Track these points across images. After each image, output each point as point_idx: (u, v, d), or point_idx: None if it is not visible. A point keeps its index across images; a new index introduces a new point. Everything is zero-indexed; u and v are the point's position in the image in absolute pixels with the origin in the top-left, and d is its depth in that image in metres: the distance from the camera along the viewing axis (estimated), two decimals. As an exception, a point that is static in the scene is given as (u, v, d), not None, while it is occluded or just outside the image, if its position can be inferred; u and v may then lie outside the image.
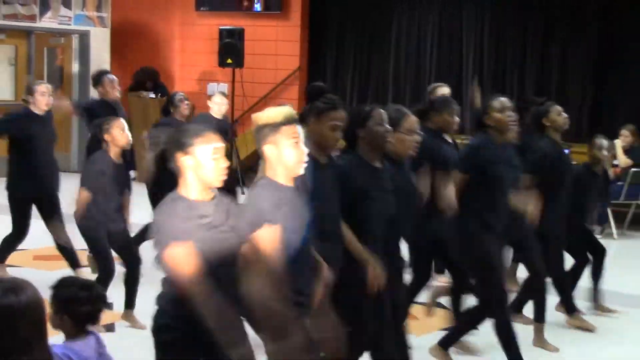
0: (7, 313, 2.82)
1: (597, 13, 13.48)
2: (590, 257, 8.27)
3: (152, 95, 15.24)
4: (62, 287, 3.88)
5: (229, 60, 14.65)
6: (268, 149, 4.44)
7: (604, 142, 8.22)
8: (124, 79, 15.51)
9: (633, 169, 11.37)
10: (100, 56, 16.08)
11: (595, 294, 8.32)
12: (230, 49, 14.63)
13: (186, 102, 9.75)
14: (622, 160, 11.46)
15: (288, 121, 4.47)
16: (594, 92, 13.65)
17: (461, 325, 6.77)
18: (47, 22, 15.43)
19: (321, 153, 5.18)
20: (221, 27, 14.91)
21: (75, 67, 16.14)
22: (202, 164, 4.08)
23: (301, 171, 4.53)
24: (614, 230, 11.47)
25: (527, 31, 14.04)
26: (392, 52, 15.11)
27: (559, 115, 7.61)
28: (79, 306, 3.96)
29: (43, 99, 8.69)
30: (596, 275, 8.30)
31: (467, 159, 6.52)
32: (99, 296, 4.10)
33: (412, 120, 5.68)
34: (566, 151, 8.02)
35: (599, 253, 8.32)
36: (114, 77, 9.95)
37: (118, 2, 16.32)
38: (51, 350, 3.05)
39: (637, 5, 13.01)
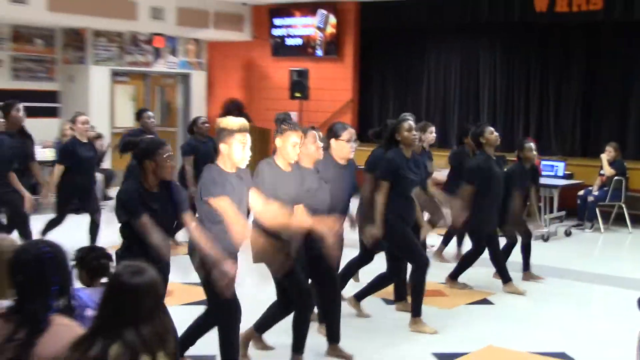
0: (135, 290, 2.83)
1: (583, 59, 13.48)
2: (519, 238, 8.41)
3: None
4: (79, 252, 4.12)
5: (297, 94, 14.70)
6: (222, 146, 4.87)
7: (532, 145, 8.37)
8: (216, 110, 15.67)
9: (616, 177, 11.24)
10: (199, 93, 16.23)
11: (525, 266, 8.52)
12: (298, 86, 14.69)
13: (206, 124, 10.05)
14: (607, 170, 11.37)
15: (240, 130, 4.88)
16: (583, 117, 13.60)
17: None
18: (159, 67, 15.58)
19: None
20: (291, 69, 14.94)
21: (179, 102, 16.27)
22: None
23: (243, 166, 4.96)
24: (601, 226, 11.43)
25: (529, 72, 14.04)
26: (424, 87, 15.13)
27: (491, 134, 7.74)
28: (89, 262, 4.14)
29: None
30: (526, 252, 8.48)
31: (385, 168, 6.42)
32: (103, 255, 4.26)
33: (350, 131, 6.02)
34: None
35: (528, 236, 8.45)
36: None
37: (212, 51, 16.46)
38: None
39: (614, 52, 13.08)
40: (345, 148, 6.00)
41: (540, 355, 6.04)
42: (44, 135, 13.52)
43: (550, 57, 13.69)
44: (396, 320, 6.93)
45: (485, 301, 7.64)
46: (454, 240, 9.08)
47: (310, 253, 5.63)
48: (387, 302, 7.44)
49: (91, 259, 4.34)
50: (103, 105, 14.61)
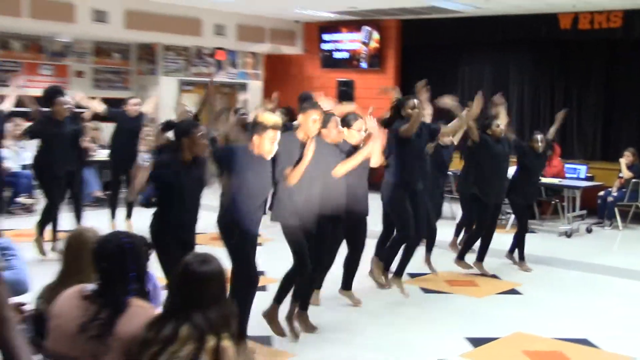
0: (203, 278, 2.86)
1: (604, 71, 13.24)
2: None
3: (290, 127, 15.30)
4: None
5: (343, 102, 14.64)
6: (255, 137, 5.10)
7: (539, 137, 8.50)
8: (272, 116, 15.66)
9: (633, 180, 11.05)
10: (256, 99, 16.25)
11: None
12: (345, 94, 14.71)
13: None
14: (626, 173, 11.19)
15: (274, 127, 5.07)
16: (603, 125, 13.37)
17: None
18: (220, 77, 15.67)
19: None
20: (338, 79, 14.98)
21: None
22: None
23: (268, 158, 5.21)
24: (620, 224, 11.22)
25: (554, 83, 13.83)
26: (458, 96, 14.83)
27: (497, 127, 8.00)
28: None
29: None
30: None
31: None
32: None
33: (361, 122, 6.14)
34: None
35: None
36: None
37: (267, 63, 16.52)
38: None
39: (631, 66, 12.84)
40: (355, 136, 6.15)
41: (564, 341, 5.96)
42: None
43: (573, 69, 13.48)
44: (432, 308, 6.90)
45: (513, 291, 7.56)
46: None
47: (347, 222, 6.21)
48: (425, 290, 7.41)
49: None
50: (171, 111, 14.75)
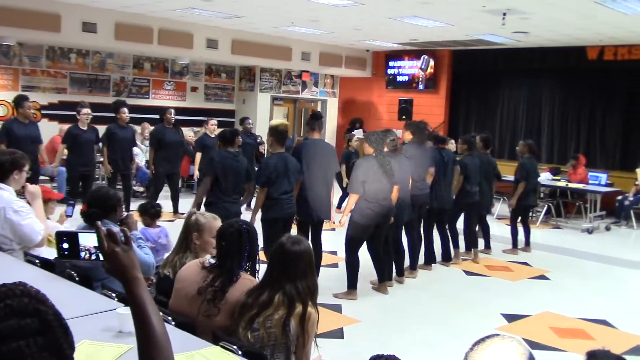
0: (294, 256, 2.87)
1: (625, 96, 12.74)
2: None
3: (361, 135, 15.24)
4: (141, 206, 5.16)
5: (404, 117, 14.55)
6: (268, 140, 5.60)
7: (522, 142, 8.59)
8: (344, 125, 15.73)
9: (647, 187, 10.54)
10: (333, 113, 16.32)
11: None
12: (405, 111, 14.60)
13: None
14: (641, 181, 10.68)
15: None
16: (623, 140, 12.89)
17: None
18: (305, 94, 15.79)
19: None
20: (400, 98, 14.84)
21: (318, 119, 16.42)
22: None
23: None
24: (634, 224, 10.75)
25: (581, 105, 13.39)
26: (498, 114, 14.71)
27: (479, 141, 7.89)
28: (147, 210, 5.10)
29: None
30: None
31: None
32: (157, 205, 5.26)
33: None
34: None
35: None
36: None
37: (343, 84, 16.52)
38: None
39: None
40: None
41: (586, 321, 5.77)
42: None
43: (597, 94, 13.02)
44: (473, 288, 6.78)
45: (542, 277, 7.36)
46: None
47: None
48: (467, 273, 7.29)
49: (150, 208, 5.17)
50: (264, 121, 14.91)
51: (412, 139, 6.83)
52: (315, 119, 6.12)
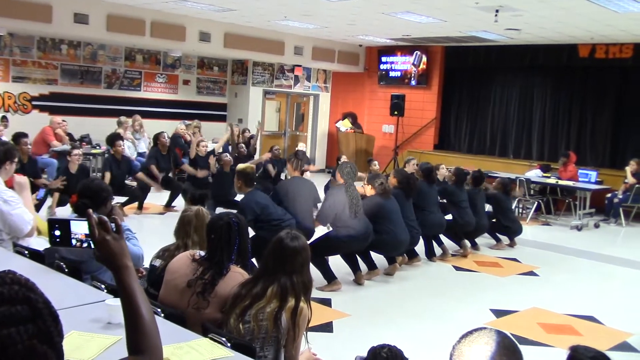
0: (293, 251, 2.89)
1: (615, 94, 12.81)
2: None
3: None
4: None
5: (396, 112, 14.59)
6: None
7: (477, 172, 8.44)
8: (335, 120, 15.73)
9: (637, 185, 10.66)
10: (324, 108, 16.33)
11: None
12: (397, 106, 14.58)
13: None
14: (630, 179, 10.84)
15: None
16: (612, 138, 12.98)
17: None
18: (297, 89, 15.78)
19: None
20: (392, 94, 14.85)
21: (310, 114, 16.43)
22: None
23: None
24: (623, 221, 10.83)
25: (572, 102, 13.46)
26: (490, 111, 14.76)
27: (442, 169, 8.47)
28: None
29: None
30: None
31: None
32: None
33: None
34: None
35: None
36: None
37: (335, 79, 16.52)
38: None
39: (639, 91, 12.38)
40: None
41: (573, 317, 5.81)
42: (216, 134, 13.97)
43: (589, 92, 13.09)
44: (462, 283, 6.82)
45: (531, 273, 7.40)
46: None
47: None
48: (456, 268, 7.33)
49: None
50: (257, 115, 14.93)
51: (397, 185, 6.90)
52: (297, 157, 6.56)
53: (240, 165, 5.95)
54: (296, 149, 10.74)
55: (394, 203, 6.40)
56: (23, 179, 3.92)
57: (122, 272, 1.51)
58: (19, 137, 7.93)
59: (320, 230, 6.26)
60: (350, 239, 5.99)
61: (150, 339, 1.49)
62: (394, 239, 6.33)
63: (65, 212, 7.55)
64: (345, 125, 15.27)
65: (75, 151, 8.39)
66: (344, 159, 9.78)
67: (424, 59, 14.88)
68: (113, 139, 9.19)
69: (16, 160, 3.96)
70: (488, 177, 10.08)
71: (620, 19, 9.48)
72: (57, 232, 1.65)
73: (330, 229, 6.14)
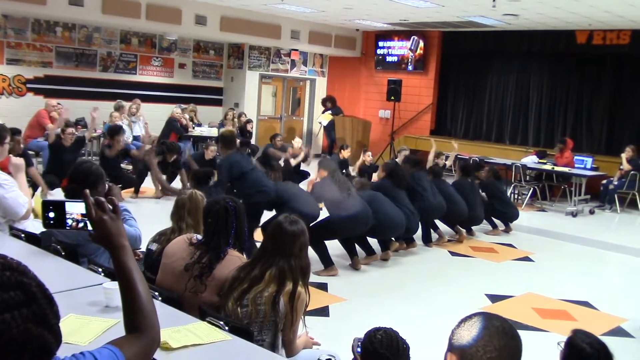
0: (292, 235, 2.89)
1: (612, 80, 12.78)
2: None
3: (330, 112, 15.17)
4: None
5: (392, 98, 14.53)
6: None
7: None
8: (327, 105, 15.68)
9: (632, 172, 10.66)
10: (321, 93, 16.23)
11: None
12: (393, 92, 14.51)
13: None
14: (626, 166, 10.82)
15: None
16: (608, 125, 12.97)
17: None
18: (293, 73, 15.69)
19: None
20: (388, 79, 14.77)
21: (307, 99, 16.36)
22: None
23: None
24: (618, 208, 10.89)
25: (569, 89, 13.41)
26: (486, 97, 14.70)
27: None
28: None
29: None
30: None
31: None
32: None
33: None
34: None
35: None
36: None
37: (332, 63, 16.43)
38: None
39: (636, 76, 12.39)
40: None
41: (568, 302, 5.84)
42: (212, 118, 13.92)
43: (585, 78, 13.07)
44: (458, 268, 6.84)
45: (527, 258, 7.43)
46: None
47: None
48: (452, 253, 7.35)
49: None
50: (253, 99, 14.87)
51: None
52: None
53: (221, 129, 6.24)
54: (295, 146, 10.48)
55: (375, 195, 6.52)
56: (19, 160, 3.87)
57: (119, 252, 1.51)
58: (12, 134, 7.79)
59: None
60: (350, 218, 5.98)
61: (147, 318, 1.49)
62: (389, 220, 6.35)
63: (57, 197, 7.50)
64: (326, 118, 15.11)
65: (70, 129, 8.24)
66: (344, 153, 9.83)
67: (421, 44, 14.81)
68: (113, 132, 8.66)
69: (7, 140, 3.90)
70: (485, 163, 10.10)
71: (618, 5, 9.44)
72: (52, 214, 1.63)
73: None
